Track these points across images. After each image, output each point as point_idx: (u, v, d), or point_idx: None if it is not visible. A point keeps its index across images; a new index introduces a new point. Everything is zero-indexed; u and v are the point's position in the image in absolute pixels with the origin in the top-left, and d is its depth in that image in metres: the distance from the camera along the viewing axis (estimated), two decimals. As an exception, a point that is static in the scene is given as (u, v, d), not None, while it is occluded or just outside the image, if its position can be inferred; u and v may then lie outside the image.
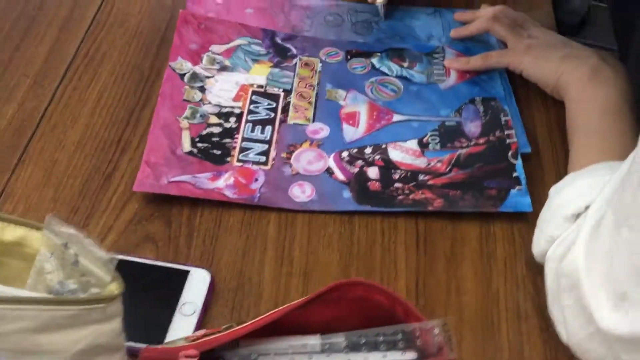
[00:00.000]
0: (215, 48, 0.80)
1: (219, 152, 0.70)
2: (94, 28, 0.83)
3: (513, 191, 0.68)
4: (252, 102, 0.75)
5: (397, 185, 0.68)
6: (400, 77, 0.79)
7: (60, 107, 0.74)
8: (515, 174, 0.69)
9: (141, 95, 0.76)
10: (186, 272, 0.61)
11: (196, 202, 0.66)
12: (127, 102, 0.75)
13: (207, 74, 0.77)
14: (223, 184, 0.67)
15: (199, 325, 0.57)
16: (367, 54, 0.81)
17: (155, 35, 0.82)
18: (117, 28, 0.83)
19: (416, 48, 0.82)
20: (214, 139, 0.71)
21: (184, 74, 0.77)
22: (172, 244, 0.63)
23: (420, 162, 0.70)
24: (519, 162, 0.70)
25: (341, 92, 0.77)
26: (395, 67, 0.80)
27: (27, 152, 0.70)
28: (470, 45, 0.83)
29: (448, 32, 0.85)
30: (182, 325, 0.57)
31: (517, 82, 0.78)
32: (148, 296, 0.58)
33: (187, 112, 0.73)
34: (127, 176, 0.68)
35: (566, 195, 0.57)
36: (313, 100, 0.76)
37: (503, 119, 0.74)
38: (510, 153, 0.71)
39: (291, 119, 0.74)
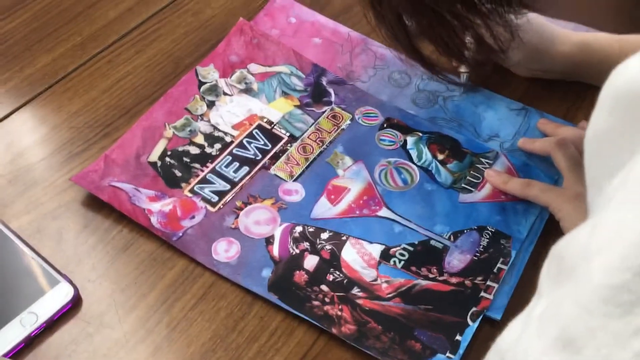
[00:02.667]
0: (253, 67, 0.74)
1: (179, 174, 0.65)
2: (170, 9, 0.82)
3: (441, 357, 0.54)
4: (249, 135, 0.69)
5: (324, 288, 0.58)
6: (424, 169, 0.66)
7: (84, 75, 0.75)
8: (458, 338, 0.55)
9: (160, 89, 0.73)
10: (55, 281, 0.57)
11: (124, 215, 0.62)
12: (142, 91, 0.73)
13: (227, 90, 0.72)
14: (158, 208, 0.63)
15: (26, 342, 0.54)
16: (407, 129, 0.70)
17: (217, 34, 0.78)
18: (189, 15, 0.81)
19: (467, 143, 0.69)
20: (185, 159, 0.67)
21: (205, 83, 0.72)
22: (70, 247, 0.61)
23: (367, 274, 0.59)
24: (473, 326, 0.55)
25: (347, 160, 0.67)
26: (427, 155, 0.68)
27: (27, 106, 0.71)
28: (535, 163, 0.67)
29: (521, 137, 0.69)
30: (8, 335, 0.54)
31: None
32: (4, 286, 0.56)
33: (179, 122, 0.69)
34: (88, 162, 0.66)
35: None
36: (312, 157, 0.67)
37: (498, 266, 0.59)
38: (473, 310, 0.56)
39: (275, 169, 0.66)
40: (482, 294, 0.57)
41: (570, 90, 0.73)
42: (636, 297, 0.26)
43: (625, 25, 0.44)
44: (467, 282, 0.58)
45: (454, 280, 0.58)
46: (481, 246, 0.61)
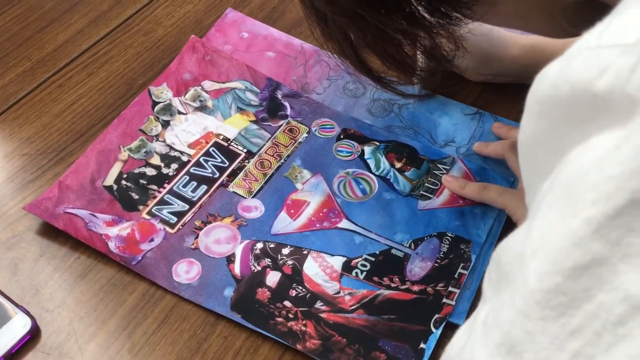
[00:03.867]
0: (207, 84, 0.74)
1: (136, 197, 0.65)
2: (121, 30, 0.81)
3: (407, 366, 0.54)
4: (206, 154, 0.68)
5: (287, 304, 0.58)
6: (382, 178, 0.67)
7: (35, 101, 0.73)
8: (422, 346, 0.55)
9: (113, 111, 0.72)
10: (11, 314, 0.56)
11: (81, 242, 0.61)
12: (95, 115, 0.72)
13: (182, 109, 0.72)
14: (115, 232, 0.62)
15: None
16: (364, 139, 0.70)
17: (169, 53, 0.78)
18: (140, 35, 0.80)
19: (423, 150, 0.69)
20: (141, 182, 0.66)
21: (158, 103, 0.72)
22: (25, 277, 0.59)
23: (330, 287, 0.59)
24: (436, 333, 0.55)
25: (305, 174, 0.67)
26: (385, 164, 0.68)
27: (-23, 135, 0.70)
28: (490, 167, 0.67)
29: (476, 141, 0.70)
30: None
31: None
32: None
33: (134, 144, 0.68)
34: (41, 190, 0.65)
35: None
36: (270, 172, 0.67)
37: (459, 271, 0.59)
38: (436, 317, 0.56)
39: (233, 186, 0.66)
40: (445, 300, 0.58)
41: (522, 92, 0.72)
42: (569, 299, 0.27)
43: (559, 33, 0.45)
44: (429, 289, 0.58)
45: (416, 288, 0.59)
46: (441, 252, 0.61)
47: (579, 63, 0.28)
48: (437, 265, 0.60)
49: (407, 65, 0.52)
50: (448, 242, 0.61)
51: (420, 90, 0.73)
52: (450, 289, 0.58)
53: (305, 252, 0.61)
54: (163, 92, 0.73)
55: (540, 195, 0.30)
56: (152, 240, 0.62)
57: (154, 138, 0.69)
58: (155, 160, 0.68)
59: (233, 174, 0.67)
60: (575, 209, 0.27)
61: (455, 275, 0.59)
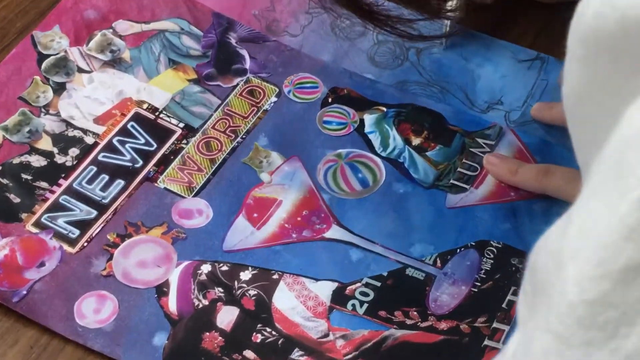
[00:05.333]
0: (121, 26, 0.77)
1: (17, 201, 0.67)
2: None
3: None
4: (122, 131, 0.71)
5: (249, 354, 0.60)
6: (392, 162, 0.69)
7: None
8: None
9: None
10: None
11: None
12: (-48, 76, 0.75)
13: (83, 65, 0.74)
14: (-13, 255, 0.64)
15: None
16: (364, 104, 0.72)
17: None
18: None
19: (455, 117, 0.71)
20: (24, 176, 0.68)
21: (47, 56, 0.74)
22: None
23: (314, 328, 0.61)
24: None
25: (274, 158, 0.70)
26: (396, 141, 0.70)
27: None
28: (557, 140, 0.70)
29: (535, 102, 0.72)
30: None
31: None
32: None
33: (11, 120, 0.71)
34: None
35: None
36: (221, 157, 0.69)
37: (509, 298, 0.62)
38: (474, 369, 0.59)
39: (164, 181, 0.68)
40: (487, 342, 0.60)
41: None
42: (620, 313, 0.29)
43: None
44: (463, 326, 0.61)
45: (444, 325, 0.61)
46: (482, 271, 0.63)
47: None
48: (475, 290, 0.62)
49: None
50: (492, 256, 0.64)
51: (452, 26, 0.75)
52: (495, 325, 0.61)
53: (275, 276, 0.64)
54: (54, 40, 0.75)
55: (589, 173, 0.32)
56: (42, 264, 0.64)
57: (42, 110, 0.72)
58: (45, 143, 0.70)
59: (164, 162, 0.69)
60: (624, 188, 0.29)
61: (504, 305, 0.62)
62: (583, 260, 0.30)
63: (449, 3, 0.64)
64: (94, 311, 0.63)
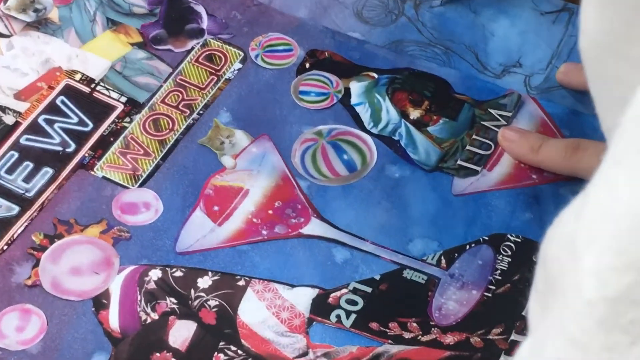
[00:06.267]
0: (46, -22, 0.80)
1: None
2: None
3: None
4: (50, 108, 0.74)
5: (211, 376, 0.64)
6: (386, 140, 0.73)
7: None
8: None
9: None
10: None
11: None
12: None
13: (1, 27, 0.77)
14: None
15: None
16: (349, 69, 0.76)
17: None
18: None
19: (463, 84, 0.75)
20: None
21: (-46, 17, 0.78)
22: None
23: (288, 345, 0.65)
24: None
25: (239, 138, 0.73)
26: (391, 114, 0.74)
27: None
28: (588, 109, 0.73)
29: (562, 64, 0.76)
30: None
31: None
32: None
33: None
34: None
35: None
36: (173, 138, 0.73)
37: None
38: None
39: (101, 168, 0.72)
40: (504, 358, 0.64)
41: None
42: None
43: None
44: (474, 339, 0.65)
45: (450, 338, 0.64)
46: (498, 271, 0.67)
47: None
48: (489, 295, 0.66)
49: None
50: (510, 253, 0.68)
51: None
52: (513, 337, 0.64)
53: (241, 282, 0.67)
54: (-38, -4, 0.79)
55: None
56: (-48, 273, 0.67)
57: (-51, 83, 0.75)
58: (-47, 124, 0.74)
59: (102, 146, 0.73)
60: None
61: (524, 313, 0.66)
62: (602, 248, 0.31)
63: None
64: (17, 329, 0.65)
